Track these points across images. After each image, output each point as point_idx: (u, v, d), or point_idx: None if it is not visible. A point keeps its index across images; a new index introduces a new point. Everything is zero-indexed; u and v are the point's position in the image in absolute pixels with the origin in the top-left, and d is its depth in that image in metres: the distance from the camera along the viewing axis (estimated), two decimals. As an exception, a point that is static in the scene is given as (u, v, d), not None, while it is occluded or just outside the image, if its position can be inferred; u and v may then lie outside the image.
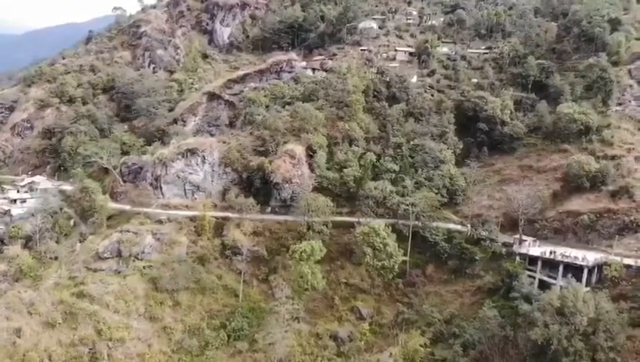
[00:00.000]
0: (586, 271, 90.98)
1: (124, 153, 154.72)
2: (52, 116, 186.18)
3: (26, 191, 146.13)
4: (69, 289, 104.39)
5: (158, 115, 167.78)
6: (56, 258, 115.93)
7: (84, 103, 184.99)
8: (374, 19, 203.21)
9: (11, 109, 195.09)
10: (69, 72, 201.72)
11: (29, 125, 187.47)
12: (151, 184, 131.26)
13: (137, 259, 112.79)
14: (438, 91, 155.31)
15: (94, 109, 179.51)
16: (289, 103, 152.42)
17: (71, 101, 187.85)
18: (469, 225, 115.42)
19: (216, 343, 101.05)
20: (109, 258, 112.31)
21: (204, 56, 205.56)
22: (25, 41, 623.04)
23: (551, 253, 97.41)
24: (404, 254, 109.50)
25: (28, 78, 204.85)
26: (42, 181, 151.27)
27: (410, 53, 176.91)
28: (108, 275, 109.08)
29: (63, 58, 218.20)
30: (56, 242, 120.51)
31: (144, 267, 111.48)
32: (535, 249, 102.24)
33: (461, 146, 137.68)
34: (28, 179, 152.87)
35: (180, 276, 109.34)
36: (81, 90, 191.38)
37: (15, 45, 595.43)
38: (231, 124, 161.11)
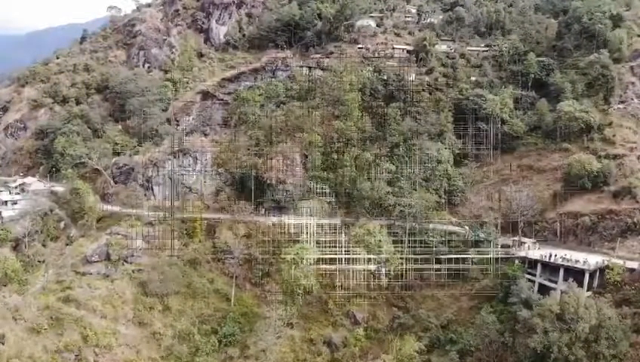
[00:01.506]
0: (587, 275, 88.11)
1: (117, 153, 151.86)
2: (45, 116, 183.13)
3: (18, 193, 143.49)
4: (56, 294, 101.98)
5: (151, 114, 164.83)
6: (43, 261, 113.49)
7: (78, 103, 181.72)
8: (372, 16, 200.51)
9: (5, 110, 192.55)
10: (62, 72, 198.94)
11: (22, 126, 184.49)
12: (142, 185, 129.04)
13: (126, 262, 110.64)
14: (437, 89, 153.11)
15: (88, 109, 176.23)
16: (284, 102, 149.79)
17: (64, 101, 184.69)
18: (467, 227, 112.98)
19: (206, 349, 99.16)
20: (97, 261, 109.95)
21: (200, 55, 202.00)
22: (27, 41, 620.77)
23: (551, 255, 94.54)
24: (401, 256, 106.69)
25: (22, 78, 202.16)
26: (34, 182, 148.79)
27: (409, 51, 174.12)
28: (96, 279, 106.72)
29: (57, 58, 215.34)
30: (43, 245, 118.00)
31: (133, 271, 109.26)
32: (534, 251, 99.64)
33: (459, 146, 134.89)
34: (19, 181, 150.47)
35: (170, 280, 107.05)
36: (75, 89, 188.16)
37: (17, 45, 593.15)
38: (225, 124, 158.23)
